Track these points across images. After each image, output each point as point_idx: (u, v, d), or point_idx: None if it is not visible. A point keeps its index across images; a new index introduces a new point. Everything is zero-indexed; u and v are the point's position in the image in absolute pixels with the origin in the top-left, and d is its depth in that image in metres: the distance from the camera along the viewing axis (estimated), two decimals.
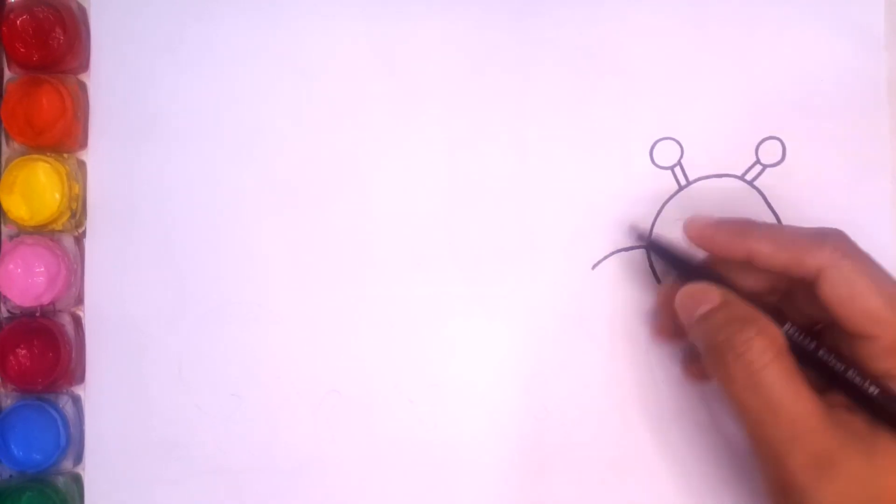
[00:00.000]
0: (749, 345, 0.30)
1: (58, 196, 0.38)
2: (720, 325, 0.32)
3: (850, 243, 0.31)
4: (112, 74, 0.40)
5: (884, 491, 0.29)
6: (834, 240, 0.31)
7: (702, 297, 0.33)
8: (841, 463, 0.29)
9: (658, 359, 0.39)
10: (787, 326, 0.32)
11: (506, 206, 0.40)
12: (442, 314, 0.39)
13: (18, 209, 0.38)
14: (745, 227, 0.33)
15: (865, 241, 0.37)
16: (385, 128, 0.40)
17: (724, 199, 0.39)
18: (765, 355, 0.30)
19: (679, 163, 0.39)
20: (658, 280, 0.39)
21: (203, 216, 0.40)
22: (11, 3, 0.39)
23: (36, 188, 0.38)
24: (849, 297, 0.30)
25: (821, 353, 0.31)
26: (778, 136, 0.39)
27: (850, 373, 0.31)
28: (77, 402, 0.39)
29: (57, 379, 0.38)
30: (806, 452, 0.29)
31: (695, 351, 0.35)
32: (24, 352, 0.38)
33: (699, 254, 0.35)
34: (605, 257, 0.39)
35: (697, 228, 0.34)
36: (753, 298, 0.32)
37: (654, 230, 0.39)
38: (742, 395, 0.30)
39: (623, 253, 0.39)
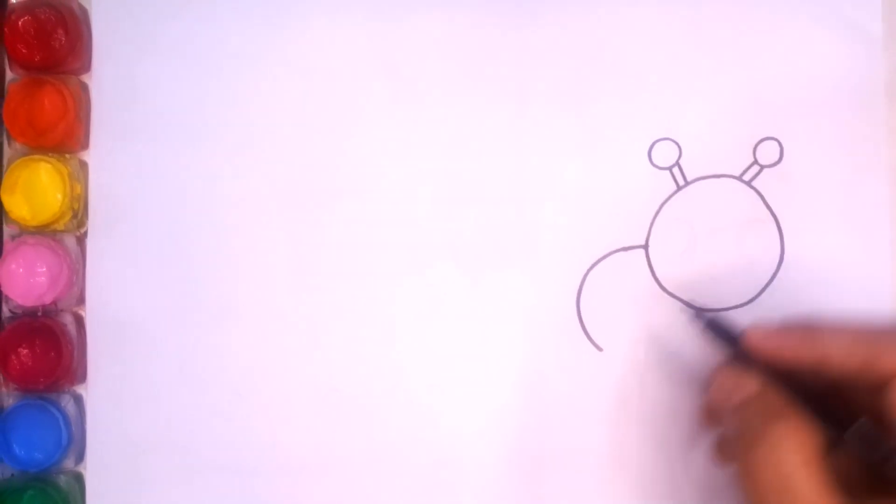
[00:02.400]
0: (781, 442, 0.28)
1: (59, 196, 0.38)
2: (754, 416, 0.30)
3: None
4: (113, 75, 0.40)
5: None
6: None
7: (739, 384, 0.31)
8: None
9: (657, 359, 0.39)
10: (860, 422, 0.29)
11: (506, 206, 0.40)
12: (442, 314, 0.39)
13: (20, 209, 0.39)
14: (815, 328, 0.30)
15: (863, 240, 0.37)
16: (385, 128, 0.40)
17: (722, 199, 0.39)
18: (797, 456, 0.28)
19: (677, 163, 0.39)
20: (658, 281, 0.39)
21: (204, 216, 0.40)
22: (13, 4, 0.39)
23: (38, 188, 0.39)
24: None
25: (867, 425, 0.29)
26: (776, 136, 0.39)
27: None
28: (79, 401, 0.40)
29: (59, 378, 0.38)
30: None
31: (727, 435, 0.33)
32: (25, 351, 0.38)
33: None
34: (605, 257, 0.39)
35: (760, 339, 0.32)
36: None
37: (652, 232, 0.39)
38: (768, 496, 0.29)
39: (623, 253, 0.39)
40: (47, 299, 0.38)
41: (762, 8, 0.39)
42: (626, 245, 0.39)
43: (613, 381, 0.39)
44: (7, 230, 0.40)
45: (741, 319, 0.38)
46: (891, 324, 0.30)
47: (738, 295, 0.39)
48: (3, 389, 0.39)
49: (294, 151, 0.40)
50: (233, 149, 0.40)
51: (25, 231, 0.39)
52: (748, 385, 0.31)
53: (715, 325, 0.35)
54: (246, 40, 0.40)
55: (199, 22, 0.40)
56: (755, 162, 0.39)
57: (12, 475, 0.39)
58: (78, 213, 0.39)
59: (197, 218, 0.40)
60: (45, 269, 0.38)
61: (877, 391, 0.29)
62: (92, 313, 0.40)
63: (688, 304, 0.39)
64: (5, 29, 0.39)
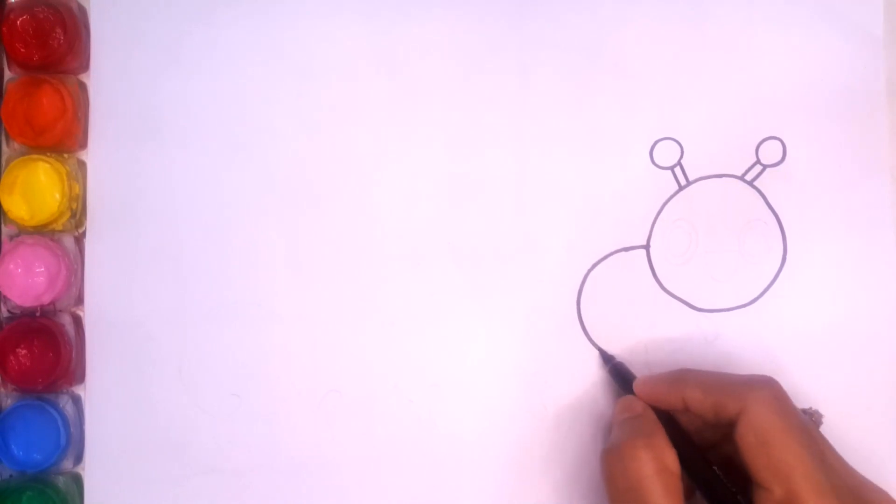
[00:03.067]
0: (635, 453, 0.32)
1: (58, 196, 0.38)
2: (625, 430, 0.34)
3: (778, 396, 0.32)
4: (112, 74, 0.40)
5: None
6: (759, 389, 0.32)
7: (627, 406, 0.36)
8: None
9: (657, 359, 0.39)
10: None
11: (506, 206, 0.40)
12: (442, 314, 0.39)
13: (19, 209, 0.38)
14: (680, 376, 0.35)
15: (865, 241, 0.37)
16: (385, 128, 0.40)
17: (724, 199, 0.39)
18: (647, 466, 0.32)
19: (679, 163, 0.39)
20: (659, 281, 0.39)
21: (203, 216, 0.40)
22: (12, 3, 0.39)
23: (36, 188, 0.38)
24: (755, 444, 0.31)
25: (713, 470, 0.32)
26: (778, 136, 0.39)
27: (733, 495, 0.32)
28: (77, 401, 0.39)
29: (57, 379, 0.38)
30: None
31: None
32: (24, 352, 0.38)
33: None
34: (605, 257, 0.39)
35: (641, 386, 0.36)
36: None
37: (654, 232, 0.39)
38: (617, 499, 0.32)
39: (623, 253, 0.39)
40: (45, 299, 0.38)
41: (765, 8, 0.39)
42: (628, 245, 0.39)
43: (613, 381, 0.39)
44: (5, 230, 0.40)
45: (742, 320, 0.39)
46: (748, 375, 0.33)
47: (740, 295, 0.39)
48: (2, 390, 0.39)
49: (293, 151, 0.40)
50: (232, 148, 0.40)
51: (24, 231, 0.39)
52: (633, 408, 0.35)
53: (616, 371, 0.38)
54: (244, 39, 0.40)
55: (197, 21, 0.40)
56: (757, 162, 0.39)
57: (10, 476, 0.39)
58: (76, 213, 0.39)
59: (195, 218, 0.40)
60: (43, 270, 0.38)
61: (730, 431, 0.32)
62: (90, 314, 0.40)
63: (688, 304, 0.39)
64: (4, 28, 0.39)
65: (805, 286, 0.39)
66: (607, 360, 0.38)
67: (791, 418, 0.31)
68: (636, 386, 0.36)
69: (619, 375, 0.38)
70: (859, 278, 0.39)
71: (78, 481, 0.39)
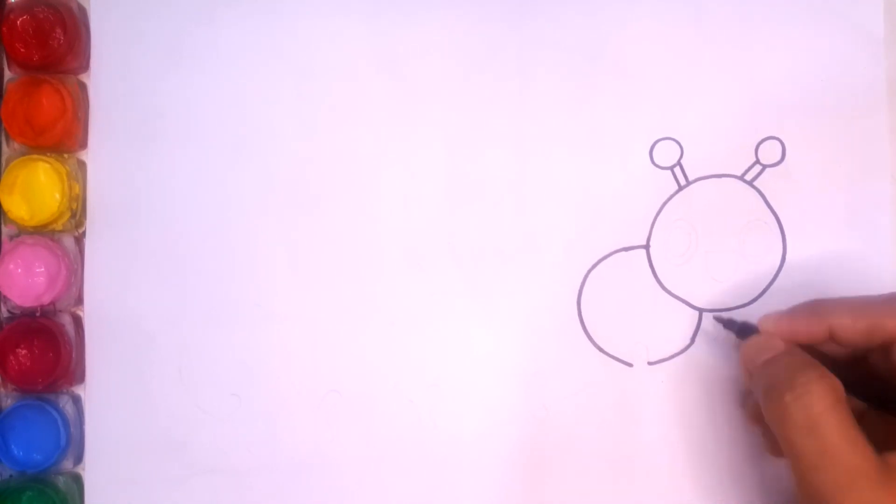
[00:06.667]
0: (809, 387, 0.30)
1: (58, 196, 0.38)
2: (782, 368, 0.32)
3: None
4: (112, 75, 0.40)
5: None
6: None
7: (766, 346, 0.33)
8: None
9: (657, 358, 0.39)
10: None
11: (506, 207, 0.39)
12: (442, 314, 0.39)
13: (19, 209, 0.38)
14: (819, 306, 0.33)
15: (866, 240, 0.37)
16: (385, 128, 0.40)
17: (724, 199, 0.39)
18: (825, 399, 0.30)
19: (679, 163, 0.39)
20: (660, 281, 0.39)
21: (203, 216, 0.40)
22: (12, 3, 0.39)
23: (36, 188, 0.38)
24: None
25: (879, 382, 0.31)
26: (778, 136, 0.39)
27: None
28: (77, 402, 0.39)
29: (57, 379, 0.38)
30: (858, 501, 0.29)
31: (757, 393, 0.34)
32: (24, 352, 0.38)
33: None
34: (605, 257, 0.39)
35: (773, 324, 0.34)
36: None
37: (654, 232, 0.39)
38: (798, 438, 0.30)
39: (623, 253, 0.39)
40: (45, 300, 0.38)
41: (764, 7, 0.39)
42: (628, 245, 0.39)
43: (613, 381, 0.39)
44: (5, 230, 0.40)
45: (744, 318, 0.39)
46: (889, 293, 0.32)
47: (739, 295, 0.39)
48: (2, 390, 0.39)
49: (293, 151, 0.40)
50: (232, 148, 0.40)
51: (24, 231, 0.39)
52: (775, 345, 0.33)
53: (731, 324, 0.36)
54: (244, 39, 0.40)
55: (197, 21, 0.40)
56: (757, 161, 0.39)
57: (10, 476, 0.39)
58: (76, 213, 0.39)
59: (195, 217, 0.40)
60: (43, 270, 0.38)
61: (884, 354, 0.31)
62: (90, 314, 0.40)
63: (689, 304, 0.39)
64: (4, 28, 0.39)
65: (805, 286, 0.39)
66: (727, 323, 0.37)
67: None
68: (769, 323, 0.34)
69: (736, 324, 0.36)
70: (859, 278, 0.39)
71: (78, 481, 0.39)
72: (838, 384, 0.30)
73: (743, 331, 0.36)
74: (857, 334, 0.32)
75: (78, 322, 0.40)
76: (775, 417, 0.31)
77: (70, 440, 0.38)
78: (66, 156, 0.40)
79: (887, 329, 0.31)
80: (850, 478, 0.29)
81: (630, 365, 0.39)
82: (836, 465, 0.29)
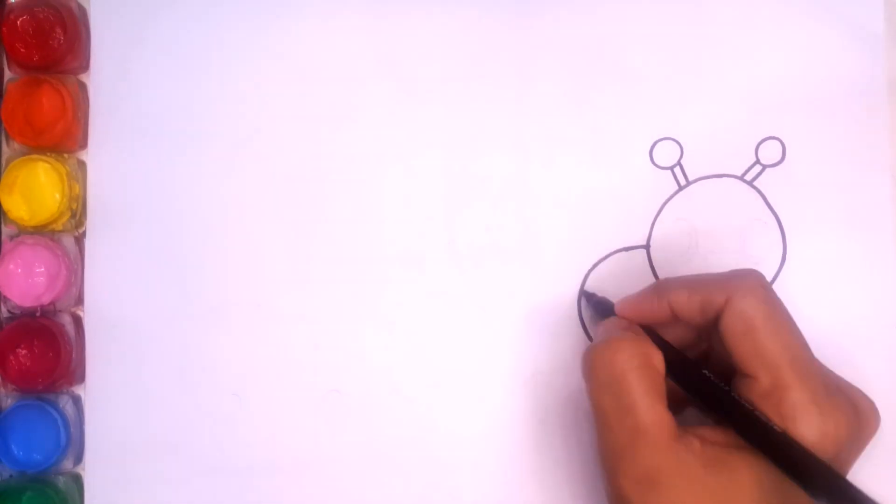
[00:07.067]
0: (619, 345, 0.31)
1: (58, 196, 0.38)
2: (603, 329, 0.34)
3: (764, 285, 0.31)
4: (112, 75, 0.40)
5: None
6: (744, 278, 0.31)
7: (612, 325, 0.34)
8: (669, 486, 0.29)
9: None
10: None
11: (506, 206, 0.40)
12: (442, 314, 0.39)
13: (18, 209, 0.38)
14: (661, 284, 0.34)
15: (865, 241, 0.37)
16: (385, 127, 0.40)
17: (724, 199, 0.39)
18: (631, 361, 0.30)
19: (679, 163, 0.39)
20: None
21: (203, 216, 0.40)
22: (11, 3, 0.39)
23: (36, 188, 0.38)
24: (742, 331, 0.30)
25: (702, 371, 0.32)
26: (778, 136, 0.39)
27: (723, 389, 0.31)
28: (77, 401, 0.39)
29: (57, 379, 0.38)
30: (639, 465, 0.29)
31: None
32: (24, 352, 0.38)
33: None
34: (607, 257, 0.39)
35: (625, 307, 0.35)
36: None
37: (654, 232, 0.39)
38: (598, 395, 0.31)
39: (623, 253, 0.39)
40: (45, 300, 0.38)
41: (764, 7, 0.39)
42: (628, 245, 0.39)
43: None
44: (5, 230, 0.40)
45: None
46: (723, 272, 0.32)
47: None
48: (2, 390, 0.39)
49: (293, 151, 0.40)
50: (232, 148, 0.40)
51: (24, 231, 0.39)
52: (619, 324, 0.34)
53: (596, 303, 0.37)
54: (244, 39, 0.40)
55: (197, 21, 0.40)
56: (757, 161, 0.39)
57: (10, 476, 0.39)
58: (76, 213, 0.39)
59: (196, 218, 0.40)
60: (43, 270, 0.38)
61: (717, 333, 0.31)
62: (90, 314, 0.40)
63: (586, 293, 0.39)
64: (4, 28, 0.39)
65: (805, 286, 0.39)
66: (588, 297, 0.38)
67: (777, 305, 0.31)
68: (619, 306, 0.35)
69: (600, 305, 0.37)
70: (859, 278, 0.39)
71: (78, 481, 0.39)
72: (657, 356, 0.31)
73: (601, 310, 0.37)
74: (693, 311, 0.32)
75: (78, 322, 0.40)
76: (584, 372, 0.32)
77: (70, 440, 0.38)
78: (66, 156, 0.40)
79: (716, 303, 0.31)
80: (636, 438, 0.29)
81: None
82: (626, 423, 0.30)
